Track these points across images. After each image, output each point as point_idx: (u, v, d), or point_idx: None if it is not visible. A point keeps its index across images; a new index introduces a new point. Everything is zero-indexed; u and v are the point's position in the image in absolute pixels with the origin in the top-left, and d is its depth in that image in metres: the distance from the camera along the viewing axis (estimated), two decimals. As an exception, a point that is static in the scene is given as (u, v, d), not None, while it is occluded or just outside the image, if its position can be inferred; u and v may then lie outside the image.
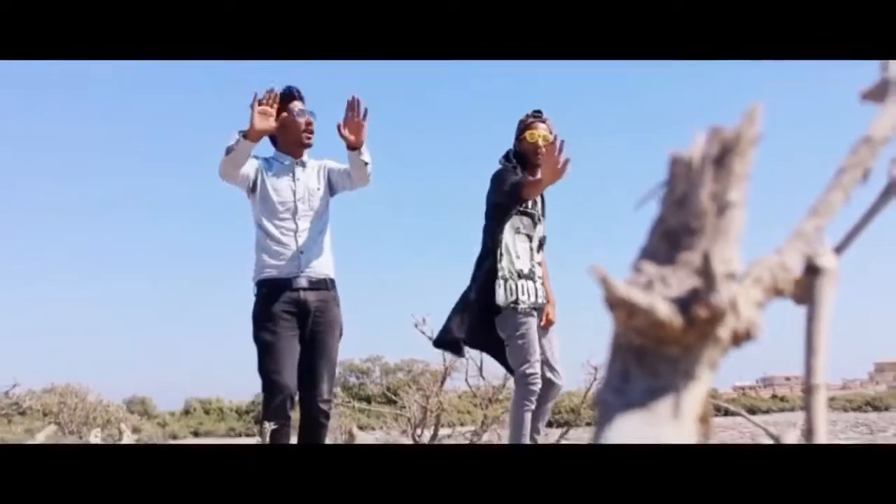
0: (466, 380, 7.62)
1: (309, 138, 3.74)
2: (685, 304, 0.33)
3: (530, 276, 3.97)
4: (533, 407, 3.78)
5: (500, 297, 3.87)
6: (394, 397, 8.77)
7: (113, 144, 60.41)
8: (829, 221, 0.37)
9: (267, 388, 3.53)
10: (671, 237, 0.35)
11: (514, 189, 3.88)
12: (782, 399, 36.25)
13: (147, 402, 25.39)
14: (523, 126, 4.13)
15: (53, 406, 14.16)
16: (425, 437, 7.63)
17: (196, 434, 23.30)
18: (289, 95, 3.69)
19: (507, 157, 4.12)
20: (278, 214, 3.65)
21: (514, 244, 3.97)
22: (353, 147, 3.52)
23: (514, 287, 3.90)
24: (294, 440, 3.76)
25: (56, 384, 15.44)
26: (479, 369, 7.11)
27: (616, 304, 0.33)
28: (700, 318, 0.33)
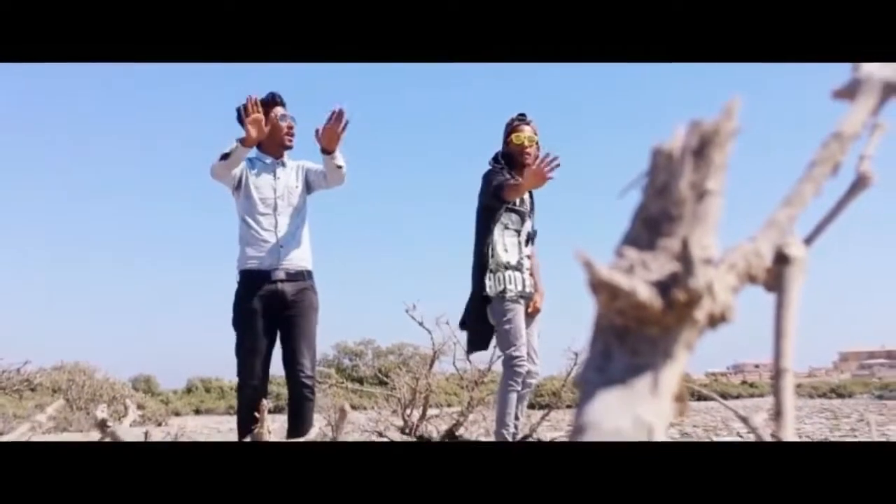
0: (454, 363, 7.64)
1: (290, 141, 3.89)
2: (665, 287, 0.33)
3: (518, 268, 4.08)
4: (519, 388, 3.86)
5: (489, 287, 4.01)
6: (385, 379, 8.76)
7: (119, 134, 60.07)
8: (801, 212, 0.37)
9: (240, 373, 3.67)
10: (652, 224, 0.35)
11: (497, 191, 4.02)
12: (752, 385, 36.46)
13: (151, 380, 25.32)
14: (509, 129, 4.26)
15: (62, 383, 14.14)
16: (414, 417, 7.65)
17: (197, 412, 23.25)
18: (272, 101, 3.83)
19: (495, 158, 4.24)
20: (260, 210, 3.76)
21: (503, 239, 4.10)
22: (326, 152, 3.64)
23: (501, 278, 4.03)
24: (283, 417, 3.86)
25: (65, 362, 15.40)
26: (465, 353, 7.12)
27: (599, 286, 0.33)
28: (679, 301, 0.33)
